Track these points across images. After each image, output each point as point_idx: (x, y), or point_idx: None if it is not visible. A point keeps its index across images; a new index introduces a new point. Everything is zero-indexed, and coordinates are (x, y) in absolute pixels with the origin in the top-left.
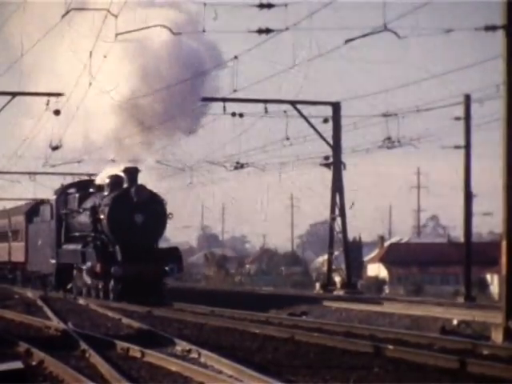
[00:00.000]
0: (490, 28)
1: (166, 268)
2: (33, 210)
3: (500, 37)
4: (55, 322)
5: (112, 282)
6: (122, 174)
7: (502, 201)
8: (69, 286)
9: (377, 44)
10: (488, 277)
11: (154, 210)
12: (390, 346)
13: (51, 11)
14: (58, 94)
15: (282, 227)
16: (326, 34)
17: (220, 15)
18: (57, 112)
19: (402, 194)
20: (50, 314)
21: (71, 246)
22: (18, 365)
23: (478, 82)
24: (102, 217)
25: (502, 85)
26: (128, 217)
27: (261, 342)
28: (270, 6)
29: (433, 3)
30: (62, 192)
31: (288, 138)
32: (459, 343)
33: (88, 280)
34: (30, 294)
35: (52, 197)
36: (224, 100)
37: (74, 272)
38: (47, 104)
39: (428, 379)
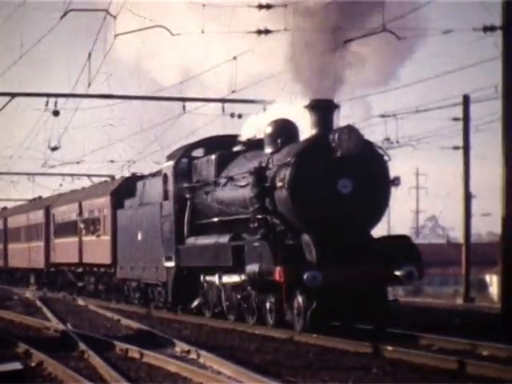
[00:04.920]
0: (489, 29)
1: (398, 272)
2: (124, 188)
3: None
4: (54, 323)
5: (299, 298)
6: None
7: (501, 201)
8: (194, 304)
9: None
10: (487, 277)
11: (370, 171)
12: (389, 347)
13: (50, 12)
14: (57, 95)
15: None
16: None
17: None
18: (56, 113)
19: (401, 194)
20: (49, 314)
21: (207, 240)
22: (16, 366)
23: (477, 83)
24: (279, 185)
25: (500, 85)
26: (327, 184)
27: (260, 342)
28: (268, 6)
29: (433, 3)
30: (183, 155)
31: None
32: (458, 344)
33: (249, 295)
34: (28, 294)
35: (166, 164)
36: (223, 101)
37: (203, 281)
38: (46, 105)
39: (427, 380)
